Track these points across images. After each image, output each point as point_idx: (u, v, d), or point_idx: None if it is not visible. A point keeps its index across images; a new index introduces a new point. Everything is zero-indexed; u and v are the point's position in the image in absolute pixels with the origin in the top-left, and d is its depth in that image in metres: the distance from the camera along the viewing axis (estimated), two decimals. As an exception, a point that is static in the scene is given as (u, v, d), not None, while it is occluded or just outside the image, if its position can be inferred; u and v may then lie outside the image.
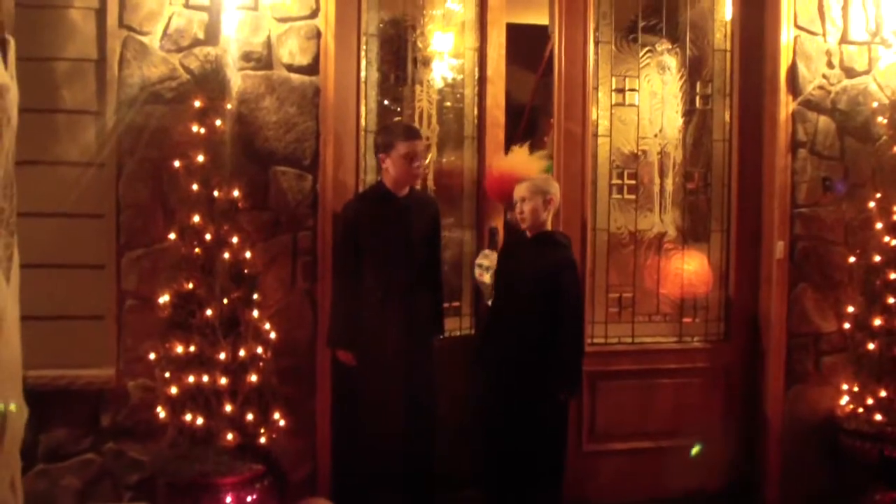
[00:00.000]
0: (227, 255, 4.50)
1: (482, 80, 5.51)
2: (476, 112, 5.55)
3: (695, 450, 5.57)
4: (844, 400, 5.55)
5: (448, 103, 5.53)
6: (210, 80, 4.72)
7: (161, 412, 4.48)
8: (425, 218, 4.97)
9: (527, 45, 6.40)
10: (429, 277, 4.97)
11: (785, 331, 5.62)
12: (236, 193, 4.55)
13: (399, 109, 5.47)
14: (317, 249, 4.98)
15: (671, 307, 5.73)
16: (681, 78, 5.70)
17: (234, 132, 4.79)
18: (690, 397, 5.68)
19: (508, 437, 4.72)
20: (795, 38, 5.55)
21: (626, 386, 5.58)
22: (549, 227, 4.84)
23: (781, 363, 5.62)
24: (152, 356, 4.55)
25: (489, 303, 5.05)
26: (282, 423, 4.63)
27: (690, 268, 5.72)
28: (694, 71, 5.72)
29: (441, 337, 5.07)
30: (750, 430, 5.75)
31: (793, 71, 5.55)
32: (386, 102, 5.45)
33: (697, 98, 5.74)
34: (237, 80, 4.85)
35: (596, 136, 5.58)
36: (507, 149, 5.44)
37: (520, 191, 4.75)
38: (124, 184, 4.77)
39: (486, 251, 5.21)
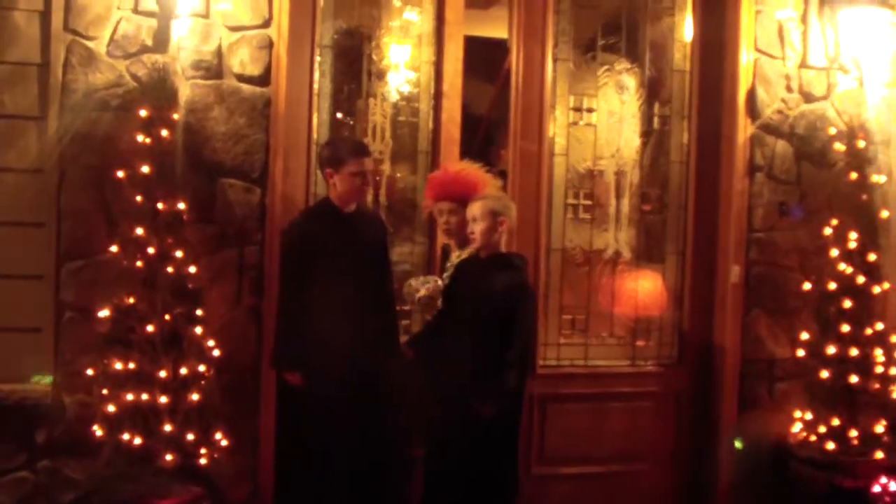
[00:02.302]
0: (170, 270, 4.36)
1: (438, 95, 5.40)
2: (431, 127, 5.43)
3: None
4: (797, 427, 5.43)
5: (402, 117, 5.42)
6: (157, 89, 4.57)
7: (98, 430, 4.33)
8: (373, 235, 4.84)
9: (485, 58, 6.30)
10: (379, 296, 4.81)
11: (738, 356, 5.55)
12: (181, 206, 4.42)
13: (352, 123, 5.35)
14: (264, 265, 4.85)
15: (625, 330, 5.65)
16: (639, 98, 5.64)
17: (181, 142, 4.64)
18: (642, 422, 5.61)
19: (450, 459, 4.56)
20: (755, 61, 5.49)
21: (578, 409, 5.48)
22: (503, 248, 4.65)
23: (734, 389, 5.55)
24: (90, 372, 4.38)
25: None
26: (224, 442, 4.49)
27: (645, 289, 5.66)
28: (652, 91, 5.66)
29: (394, 358, 4.86)
30: (701, 455, 5.68)
31: (752, 94, 5.49)
32: (339, 115, 5.34)
33: (655, 118, 5.68)
34: (186, 88, 4.71)
35: (552, 154, 5.50)
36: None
37: (472, 210, 4.55)
38: (66, 192, 4.61)
39: (421, 278, 5.04)
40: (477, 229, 4.52)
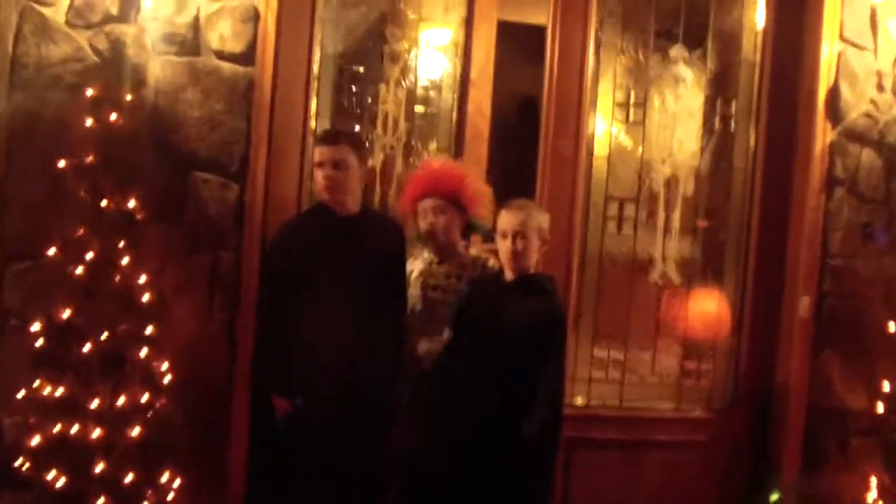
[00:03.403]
0: (117, 279, 3.67)
1: (465, 82, 4.67)
2: (455, 119, 4.71)
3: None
4: (872, 495, 4.64)
5: (420, 108, 4.69)
6: (121, 65, 3.93)
7: (24, 465, 3.67)
8: (379, 244, 4.04)
9: (520, 47, 5.48)
10: (384, 318, 4.01)
11: (805, 404, 4.78)
12: (132, 204, 3.74)
13: (360, 112, 4.62)
14: (240, 273, 4.17)
15: (669, 367, 4.92)
16: (699, 93, 4.89)
17: (147, 128, 4.00)
18: (686, 477, 4.84)
19: None
20: (839, 54, 4.70)
21: (609, 458, 4.74)
22: (532, 268, 3.86)
23: (798, 442, 4.79)
24: (21, 394, 3.73)
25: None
26: (176, 482, 3.81)
27: (696, 320, 4.92)
28: (715, 86, 4.91)
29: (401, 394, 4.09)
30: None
31: (834, 93, 4.70)
32: (345, 103, 4.60)
33: (717, 118, 4.93)
34: (155, 66, 4.04)
35: (591, 156, 4.77)
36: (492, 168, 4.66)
37: (510, 221, 3.75)
38: (13, 182, 3.99)
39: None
40: (520, 247, 3.73)
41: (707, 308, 4.92)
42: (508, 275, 3.81)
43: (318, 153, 3.90)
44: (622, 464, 4.76)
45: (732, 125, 4.93)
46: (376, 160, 4.58)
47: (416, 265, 4.18)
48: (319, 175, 3.89)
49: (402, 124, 4.66)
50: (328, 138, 4.00)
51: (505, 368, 3.69)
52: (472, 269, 4.14)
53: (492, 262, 4.14)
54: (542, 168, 4.64)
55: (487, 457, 3.66)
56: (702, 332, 4.92)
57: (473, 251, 4.28)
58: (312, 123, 4.46)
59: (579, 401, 4.76)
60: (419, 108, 4.72)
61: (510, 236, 3.74)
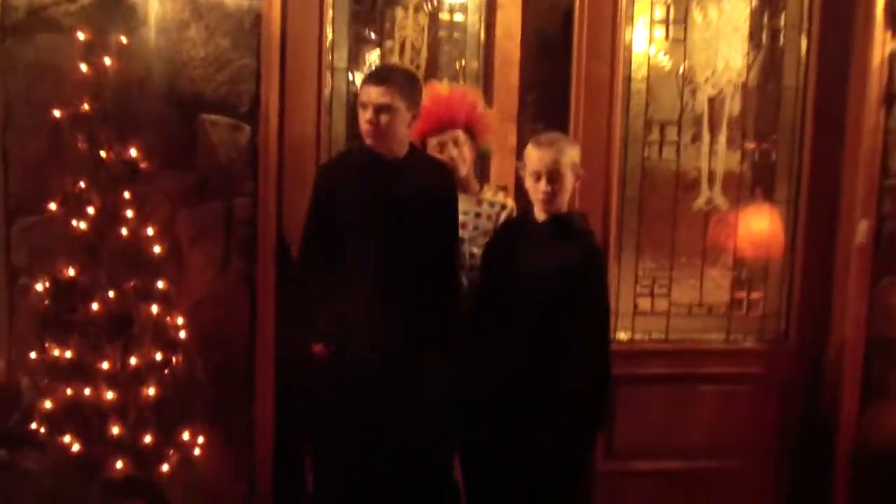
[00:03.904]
0: (124, 232, 3.48)
1: (491, 4, 4.35)
2: (483, 43, 4.39)
3: None
4: None
5: (443, 32, 4.39)
6: (117, 3, 3.68)
7: (41, 429, 3.54)
8: (427, 190, 3.70)
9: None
10: (434, 272, 3.71)
11: (864, 334, 4.45)
12: (134, 153, 3.51)
13: (379, 40, 4.33)
14: (257, 220, 3.95)
15: (718, 297, 4.60)
16: (744, 5, 4.47)
17: (149, 70, 3.77)
18: (737, 410, 4.59)
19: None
20: (898, -46, 4.25)
21: (656, 394, 4.50)
22: (565, 207, 3.58)
23: (857, 375, 4.47)
24: (33, 355, 3.58)
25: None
26: (200, 440, 3.67)
27: (745, 248, 4.62)
28: (762, -4, 4.47)
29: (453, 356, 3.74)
30: (812, 456, 4.62)
31: (894, -1, 4.27)
32: (367, 32, 4.32)
33: (764, 32, 4.52)
34: (154, 3, 3.77)
35: (628, 79, 4.41)
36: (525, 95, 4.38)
37: (545, 159, 3.44)
38: (12, 134, 3.81)
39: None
40: (556, 188, 3.45)
41: (756, 236, 4.60)
42: (540, 216, 3.54)
43: (363, 93, 3.58)
44: (670, 399, 4.52)
45: (781, 39, 4.53)
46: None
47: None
48: (362, 118, 3.58)
49: (424, 52, 4.34)
50: (374, 78, 3.61)
51: (544, 315, 3.44)
52: (491, 206, 3.91)
53: (510, 202, 3.89)
54: (576, 93, 4.32)
55: (533, 410, 3.46)
56: (752, 255, 4.62)
57: (489, 192, 4.01)
58: (329, 57, 4.17)
59: (623, 335, 4.50)
60: (443, 33, 4.40)
61: (544, 177, 3.45)
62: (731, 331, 4.61)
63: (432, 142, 3.87)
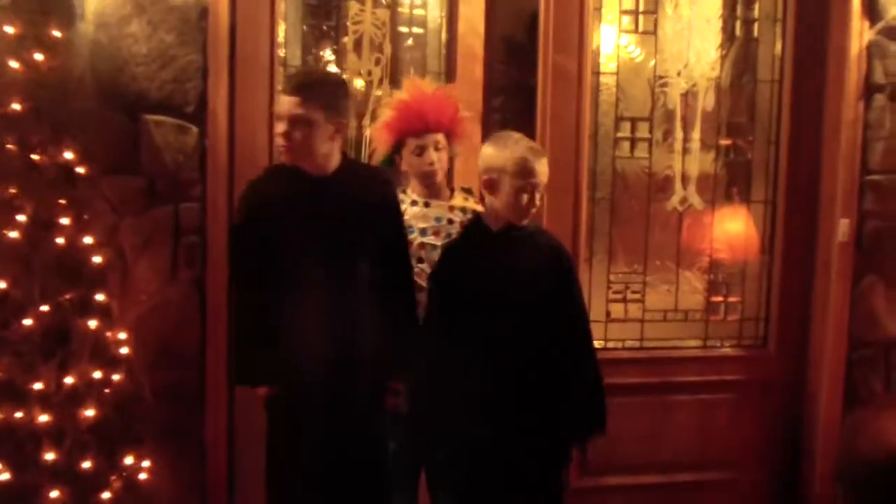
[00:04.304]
0: (60, 241, 3.24)
1: (453, -3, 4.11)
2: (444, 39, 4.19)
3: None
4: None
5: (403, 27, 4.16)
6: (52, -3, 3.43)
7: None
8: (364, 208, 3.30)
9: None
10: (384, 295, 3.36)
11: (846, 337, 4.30)
12: (70, 156, 3.27)
13: (334, 35, 4.10)
14: (206, 226, 3.73)
15: (695, 301, 4.40)
16: (717, -4, 4.26)
17: (87, 68, 3.52)
18: (716, 420, 4.39)
19: None
20: (876, -60, 4.09)
21: (632, 404, 4.24)
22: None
23: (839, 380, 4.31)
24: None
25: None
26: (146, 463, 3.42)
27: (722, 250, 4.42)
28: (735, -14, 4.29)
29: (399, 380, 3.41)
30: (793, 465, 4.45)
31: (871, -14, 4.10)
32: (322, 26, 4.09)
33: (738, 24, 4.33)
34: (93, -5, 3.54)
35: (597, 73, 4.20)
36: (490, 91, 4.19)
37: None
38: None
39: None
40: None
41: (733, 237, 4.41)
42: (496, 225, 3.22)
43: (277, 103, 3.25)
44: (647, 408, 4.31)
45: (755, 30, 4.35)
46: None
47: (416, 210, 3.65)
48: (276, 131, 3.25)
49: (387, 47, 4.12)
50: (288, 86, 3.22)
51: (530, 328, 3.17)
52: (463, 213, 3.65)
53: (479, 207, 3.63)
54: (542, 89, 4.11)
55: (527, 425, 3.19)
56: (729, 257, 4.43)
57: (459, 198, 3.74)
58: (282, 52, 3.94)
59: (596, 343, 4.25)
60: (403, 28, 4.18)
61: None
62: (708, 337, 4.42)
63: (411, 144, 3.56)
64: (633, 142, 4.26)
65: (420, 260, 3.55)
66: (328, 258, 3.23)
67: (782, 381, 4.41)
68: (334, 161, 3.26)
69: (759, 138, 4.37)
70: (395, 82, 4.11)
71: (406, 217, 3.56)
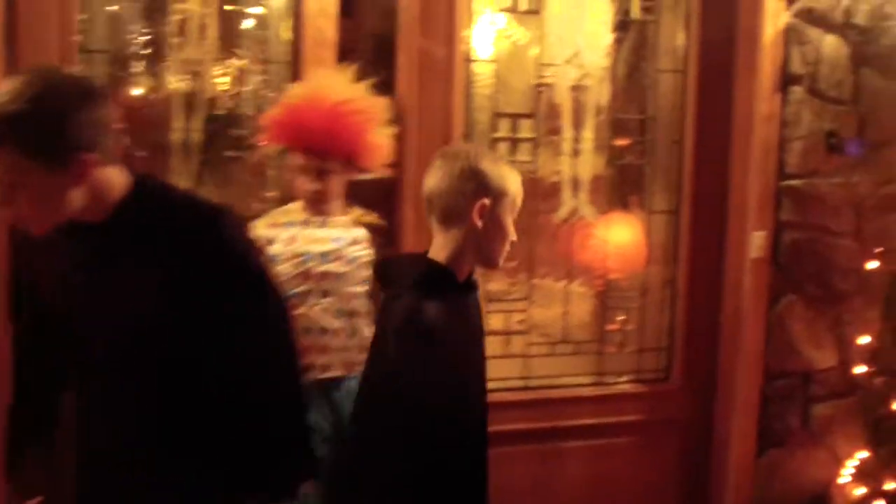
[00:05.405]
0: None
1: (299, -28, 3.46)
2: (290, 24, 3.47)
3: None
4: (847, 472, 3.89)
5: (242, 7, 3.47)
6: None
7: None
8: (168, 277, 2.00)
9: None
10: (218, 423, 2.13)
11: (760, 367, 3.84)
12: None
13: (158, 15, 3.33)
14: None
15: (586, 330, 3.84)
16: (611, -28, 3.73)
17: None
18: (613, 467, 3.83)
19: None
20: None
21: (516, 454, 3.67)
22: None
23: (752, 416, 3.87)
24: None
25: None
26: None
27: (617, 269, 3.87)
28: (631, -40, 3.78)
29: None
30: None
31: (786, -38, 3.65)
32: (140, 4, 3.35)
33: (635, 4, 3.77)
34: None
35: (471, 61, 3.58)
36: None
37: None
38: None
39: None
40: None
41: (632, 246, 3.91)
42: (464, 273, 2.28)
43: None
44: (534, 457, 3.75)
45: (656, 11, 3.81)
46: (173, 84, 3.29)
47: (280, 231, 2.90)
48: None
49: (215, 32, 3.37)
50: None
51: None
52: (368, 230, 3.00)
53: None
54: (405, 80, 3.43)
55: None
56: (627, 278, 3.90)
57: (356, 210, 3.05)
58: (78, 38, 3.16)
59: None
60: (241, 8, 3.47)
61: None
62: (603, 371, 3.88)
63: (296, 159, 2.87)
64: (514, 142, 3.68)
65: (325, 294, 2.87)
66: (115, 352, 2.10)
67: (688, 420, 3.93)
68: (110, 197, 2.01)
69: (660, 138, 3.86)
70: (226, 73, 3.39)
71: (298, 243, 2.86)
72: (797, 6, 3.63)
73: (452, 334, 2.15)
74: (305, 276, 2.83)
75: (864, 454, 3.83)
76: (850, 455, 3.87)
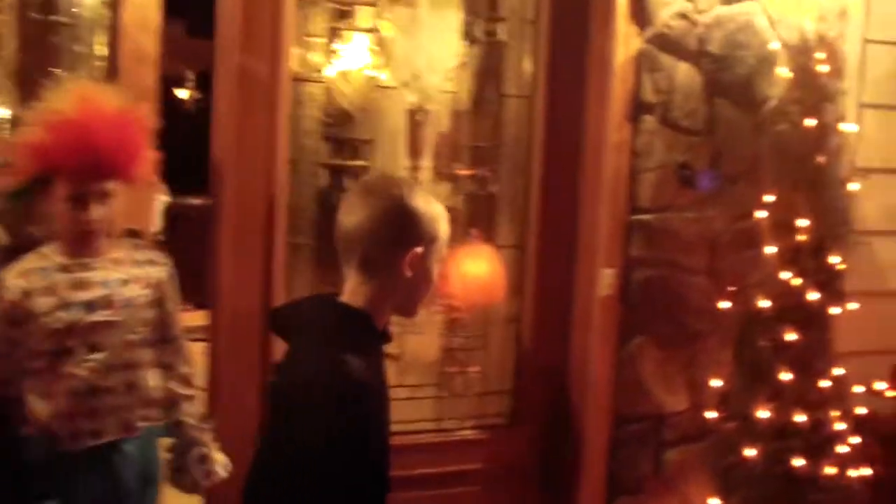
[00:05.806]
0: None
1: (114, -23, 3.10)
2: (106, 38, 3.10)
3: None
4: None
5: (36, 13, 3.10)
6: None
7: None
8: None
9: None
10: None
11: (609, 410, 3.60)
12: None
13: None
14: None
15: (423, 374, 3.58)
16: (453, -11, 3.48)
17: None
18: (454, 519, 3.55)
19: None
20: (643, -70, 3.41)
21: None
22: None
23: (601, 464, 3.62)
24: None
25: None
26: None
27: (456, 308, 3.56)
28: (474, -23, 3.54)
29: None
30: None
31: (638, -16, 3.43)
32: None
33: (478, 24, 3.55)
34: None
35: (299, 81, 3.31)
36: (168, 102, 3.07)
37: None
38: None
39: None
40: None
41: (474, 282, 3.55)
42: (382, 322, 2.03)
43: None
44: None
45: (501, 33, 3.59)
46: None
47: (35, 280, 2.48)
48: None
49: (14, 43, 3.03)
50: None
51: None
52: (149, 265, 2.62)
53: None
54: (224, 99, 3.15)
55: None
56: (468, 316, 3.60)
57: (126, 245, 2.68)
58: None
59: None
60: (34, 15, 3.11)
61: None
62: (443, 416, 3.62)
63: (65, 187, 2.44)
64: (344, 170, 3.40)
65: (93, 348, 2.46)
66: None
67: (534, 469, 3.68)
68: None
69: (505, 167, 3.62)
70: (25, 96, 2.95)
71: (55, 296, 2.45)
72: (650, 32, 3.43)
73: (376, 388, 1.86)
74: (69, 330, 2.42)
75: (715, 502, 3.62)
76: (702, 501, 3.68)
